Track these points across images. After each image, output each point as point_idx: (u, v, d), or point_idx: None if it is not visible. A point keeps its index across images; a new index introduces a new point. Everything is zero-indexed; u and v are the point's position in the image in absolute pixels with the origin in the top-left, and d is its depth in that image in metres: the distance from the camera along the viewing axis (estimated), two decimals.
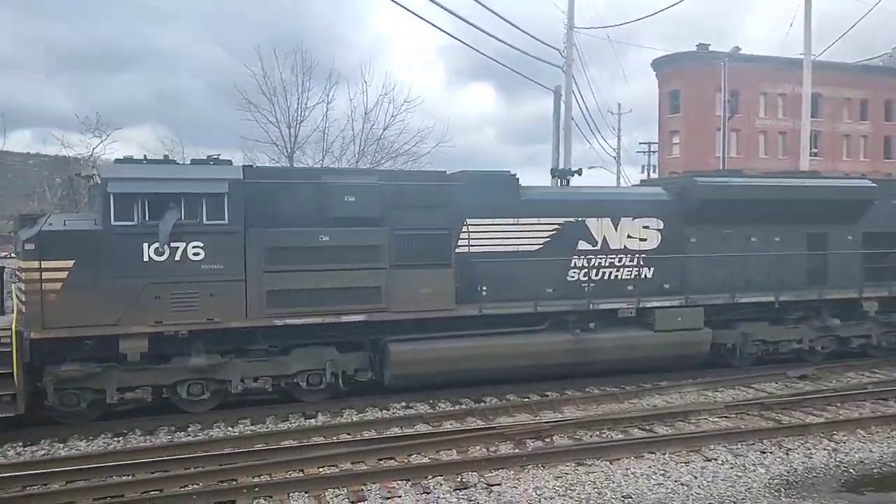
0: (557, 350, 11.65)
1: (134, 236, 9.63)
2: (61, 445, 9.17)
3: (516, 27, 21.54)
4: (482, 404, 11.01)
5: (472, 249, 11.56)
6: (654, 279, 12.63)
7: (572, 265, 12.15)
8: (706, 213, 12.70)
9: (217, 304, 9.98)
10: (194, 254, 9.89)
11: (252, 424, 10.02)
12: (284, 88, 24.61)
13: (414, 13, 27.20)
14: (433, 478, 7.67)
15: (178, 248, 9.81)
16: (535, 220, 11.98)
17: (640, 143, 53.11)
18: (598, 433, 9.41)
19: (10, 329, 9.23)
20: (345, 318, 10.59)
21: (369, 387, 11.31)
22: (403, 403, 10.88)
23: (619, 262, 12.47)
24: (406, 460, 8.31)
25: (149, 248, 9.67)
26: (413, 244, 10.85)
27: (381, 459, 8.29)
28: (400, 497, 7.25)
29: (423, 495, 7.27)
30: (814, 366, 13.19)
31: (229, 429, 9.85)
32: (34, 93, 60.33)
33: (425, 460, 8.30)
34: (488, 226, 11.73)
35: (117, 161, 10.65)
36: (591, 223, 12.27)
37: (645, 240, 12.59)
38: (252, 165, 13.71)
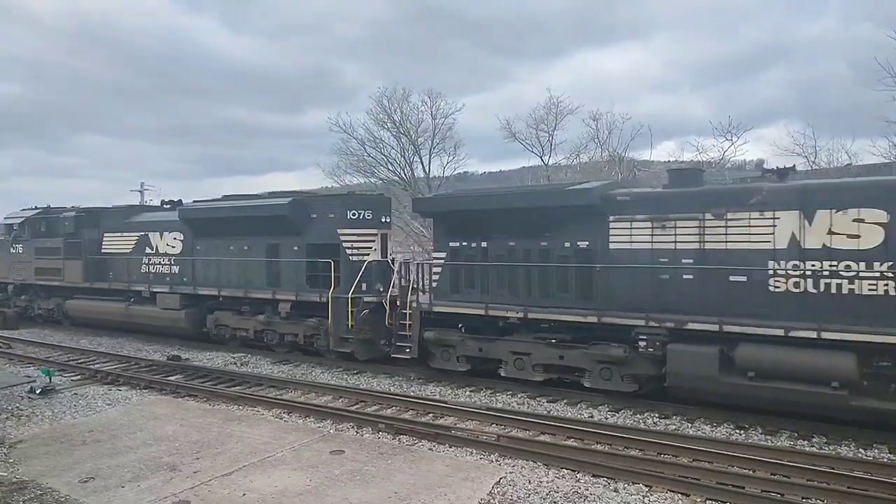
0: (118, 312, 19.26)
1: (4, 242, 22.98)
2: (689, 424, 10.02)
3: None
4: None
5: (107, 251, 20.36)
6: (179, 274, 18.35)
7: (143, 262, 19.29)
8: (194, 229, 17.65)
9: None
10: (13, 248, 22.57)
11: (889, 452, 8.67)
12: None
13: None
14: None
15: (18, 248, 22.65)
16: (129, 234, 19.76)
17: None
18: None
19: None
20: (52, 284, 21.33)
21: None
22: None
23: (165, 261, 18.78)
24: None
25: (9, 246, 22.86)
26: (70, 247, 20.67)
27: None
28: None
29: None
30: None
31: (859, 451, 8.75)
32: (678, 107, 70.59)
33: None
34: (113, 237, 20.25)
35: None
36: (152, 236, 19.10)
37: (174, 247, 18.47)
38: (48, 207, 23.78)
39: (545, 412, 10.84)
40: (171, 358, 15.84)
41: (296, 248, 15.71)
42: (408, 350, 13.42)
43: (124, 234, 19.98)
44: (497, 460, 8.44)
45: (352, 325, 14.19)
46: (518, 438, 9.26)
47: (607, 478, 7.74)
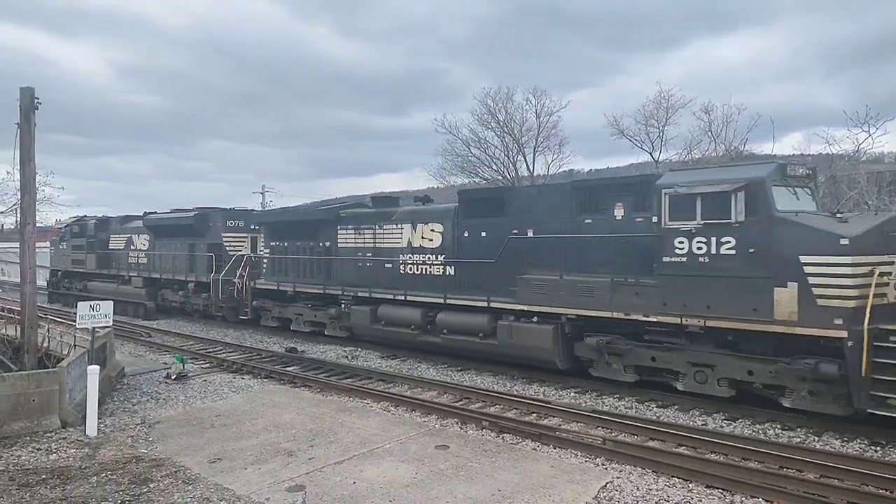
0: (112, 290, 27.61)
1: (55, 241, 32.31)
2: (815, 438, 9.31)
3: None
4: None
5: (111, 247, 28.93)
6: (147, 264, 26.41)
7: (129, 255, 27.56)
8: (153, 232, 25.66)
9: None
10: (61, 245, 31.79)
11: None
12: None
13: None
14: None
15: (63, 245, 31.89)
16: (123, 235, 28.16)
17: None
18: None
19: None
20: (80, 271, 30.19)
21: None
22: None
23: (139, 255, 26.93)
24: None
25: (58, 244, 32.18)
26: (90, 245, 29.40)
27: None
28: None
29: None
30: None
31: None
32: (806, 96, 66.94)
33: None
34: (115, 238, 28.75)
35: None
36: (134, 237, 27.33)
37: (144, 245, 26.58)
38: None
39: (654, 417, 10.50)
40: (288, 350, 16.90)
41: (202, 246, 23.28)
42: (247, 314, 20.58)
43: (121, 235, 28.43)
44: (603, 464, 8.22)
45: (222, 297, 21.50)
46: (626, 443, 8.92)
47: (722, 489, 7.33)
